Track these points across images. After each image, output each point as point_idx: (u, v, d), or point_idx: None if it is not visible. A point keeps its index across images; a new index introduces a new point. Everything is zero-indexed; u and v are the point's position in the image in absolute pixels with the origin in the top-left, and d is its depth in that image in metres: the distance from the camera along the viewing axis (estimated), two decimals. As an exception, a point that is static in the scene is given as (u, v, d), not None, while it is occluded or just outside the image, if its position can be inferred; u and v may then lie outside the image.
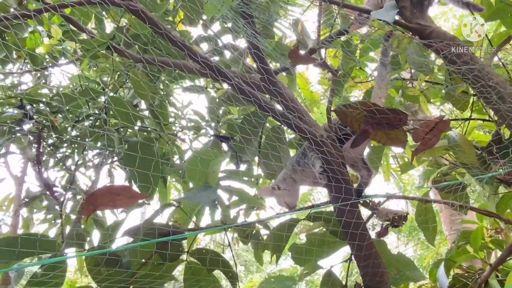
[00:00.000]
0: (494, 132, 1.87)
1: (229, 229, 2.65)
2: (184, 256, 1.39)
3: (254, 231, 2.63)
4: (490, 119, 2.05)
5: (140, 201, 1.19)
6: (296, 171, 1.57)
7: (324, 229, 1.54)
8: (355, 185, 1.52)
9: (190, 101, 3.25)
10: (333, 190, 1.35)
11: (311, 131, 1.40)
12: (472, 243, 2.10)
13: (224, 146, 2.77)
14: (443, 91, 2.37)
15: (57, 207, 2.98)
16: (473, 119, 2.09)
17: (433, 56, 2.43)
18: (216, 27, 3.07)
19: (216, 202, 1.22)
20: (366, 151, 1.54)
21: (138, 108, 3.09)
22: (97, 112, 2.89)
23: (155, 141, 2.84)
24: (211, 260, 1.38)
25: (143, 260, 1.27)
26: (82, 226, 2.47)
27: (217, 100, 2.93)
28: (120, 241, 1.33)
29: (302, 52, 2.25)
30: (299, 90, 5.17)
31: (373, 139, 1.29)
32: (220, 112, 3.04)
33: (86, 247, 1.31)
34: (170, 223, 1.36)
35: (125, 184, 0.99)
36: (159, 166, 1.30)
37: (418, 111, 2.97)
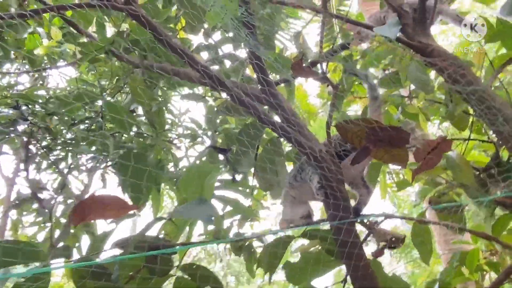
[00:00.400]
0: (493, 154, 1.84)
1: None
2: (174, 271, 1.33)
3: (247, 243, 2.56)
4: (489, 140, 2.02)
5: (131, 212, 1.13)
6: (294, 187, 1.52)
7: (319, 247, 1.48)
8: (352, 202, 1.47)
9: (187, 108, 3.19)
10: (331, 207, 1.30)
11: (310, 146, 1.36)
12: (467, 265, 2.06)
13: (220, 157, 2.72)
14: (441, 109, 2.34)
15: (47, 210, 2.90)
16: (473, 139, 2.06)
17: (432, 74, 2.41)
18: (217, 36, 3.04)
19: (213, 218, 1.16)
20: (366, 169, 1.50)
21: (135, 114, 3.04)
22: (93, 115, 2.84)
23: (149, 148, 2.79)
24: (201, 276, 1.31)
25: (131, 274, 1.20)
26: (72, 231, 2.40)
27: (215, 109, 2.89)
28: (109, 252, 1.27)
29: (304, 65, 2.22)
30: (297, 102, 5.15)
31: (373, 156, 1.24)
32: (218, 121, 2.99)
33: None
34: (161, 236, 1.30)
35: (115, 195, 0.94)
36: (153, 175, 1.24)
37: (415, 128, 2.95)
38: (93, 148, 2.88)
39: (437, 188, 2.12)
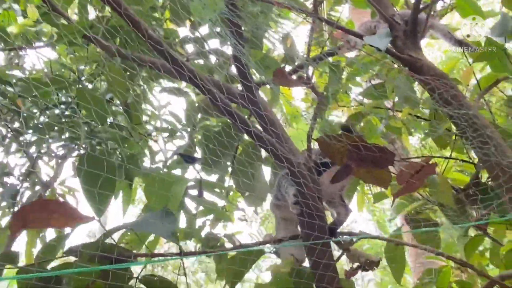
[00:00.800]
0: (473, 175, 1.79)
1: (192, 240, 2.47)
2: (133, 282, 1.21)
3: (219, 243, 2.45)
4: (470, 160, 1.97)
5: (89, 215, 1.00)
6: (279, 207, 1.41)
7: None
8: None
9: (168, 102, 3.04)
10: (305, 225, 1.20)
11: (288, 159, 1.25)
12: (438, 283, 2.01)
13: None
14: (423, 123, 2.29)
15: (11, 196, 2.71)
16: (453, 158, 2.01)
17: (416, 89, 2.35)
18: (205, 29, 2.90)
19: (177, 233, 1.04)
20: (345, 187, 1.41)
21: (111, 103, 2.86)
22: (69, 101, 2.67)
23: (124, 140, 2.63)
24: (162, 289, 1.20)
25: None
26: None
27: (196, 104, 2.75)
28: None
29: (288, 71, 2.11)
30: (281, 103, 5.03)
31: (355, 175, 1.15)
32: (199, 116, 2.86)
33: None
34: (122, 245, 1.18)
35: (65, 201, 0.82)
36: (115, 182, 1.11)
37: (396, 139, 2.90)
38: (67, 135, 2.71)
39: (414, 204, 2.07)
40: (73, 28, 2.21)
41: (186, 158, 1.95)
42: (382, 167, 1.07)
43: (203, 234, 2.33)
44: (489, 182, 1.81)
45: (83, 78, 2.85)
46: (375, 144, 1.04)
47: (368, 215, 6.03)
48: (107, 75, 2.26)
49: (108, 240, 1.17)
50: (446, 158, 1.96)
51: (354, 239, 1.38)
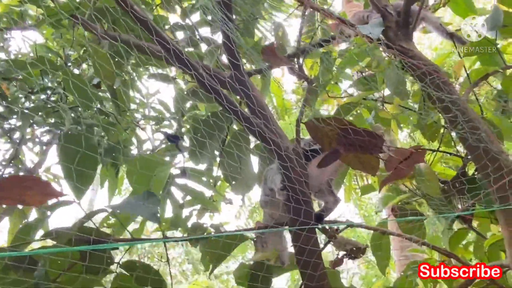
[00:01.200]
0: (460, 167, 1.78)
1: (179, 229, 2.43)
2: (114, 267, 1.16)
3: (205, 233, 2.41)
4: (458, 154, 1.96)
5: (64, 198, 0.95)
6: (265, 202, 1.38)
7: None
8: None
9: (158, 89, 2.97)
10: (291, 211, 1.17)
11: (275, 142, 1.22)
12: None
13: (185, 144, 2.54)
14: (412, 118, 2.27)
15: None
16: (441, 151, 2.00)
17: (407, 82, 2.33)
18: (196, 17, 2.83)
19: (158, 215, 1.00)
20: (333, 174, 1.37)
21: (99, 89, 2.78)
22: (56, 85, 2.59)
23: (111, 127, 2.56)
24: (143, 275, 1.15)
25: (61, 272, 1.02)
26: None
27: (186, 92, 2.69)
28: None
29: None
30: (272, 96, 4.99)
31: (342, 160, 1.12)
32: (188, 105, 2.80)
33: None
34: (104, 229, 1.13)
35: (39, 177, 0.77)
36: (96, 162, 1.06)
37: (384, 133, 2.88)
38: (52, 120, 2.63)
39: (401, 196, 2.06)
40: (59, 9, 2.14)
41: (170, 136, 1.90)
42: (371, 153, 1.04)
43: (189, 224, 2.30)
44: (476, 175, 1.80)
45: (69, 64, 2.76)
46: (365, 128, 1.02)
47: (355, 209, 6.06)
48: (93, 59, 2.19)
49: (90, 225, 1.12)
50: (433, 150, 1.95)
51: (341, 227, 1.36)
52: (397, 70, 1.72)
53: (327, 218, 1.34)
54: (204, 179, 2.41)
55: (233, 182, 1.87)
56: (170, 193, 2.34)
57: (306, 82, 1.66)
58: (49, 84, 2.63)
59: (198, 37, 2.70)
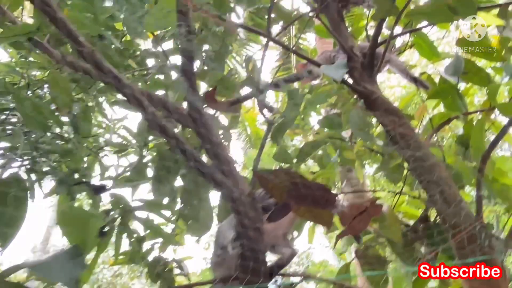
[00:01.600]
0: (422, 213, 1.74)
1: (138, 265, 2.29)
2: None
3: (167, 269, 2.26)
4: (420, 197, 1.93)
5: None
6: (217, 264, 1.26)
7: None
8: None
9: (126, 115, 2.85)
10: (245, 263, 1.07)
11: (228, 186, 1.13)
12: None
13: (149, 172, 2.43)
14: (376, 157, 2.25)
15: None
16: (404, 193, 1.96)
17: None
18: (169, 45, 2.77)
19: (80, 281, 0.86)
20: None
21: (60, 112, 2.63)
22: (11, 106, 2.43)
23: (70, 154, 2.42)
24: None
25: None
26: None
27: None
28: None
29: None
30: (246, 125, 4.92)
31: (295, 213, 1.04)
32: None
33: None
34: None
35: None
36: (25, 206, 0.93)
37: (351, 168, 2.85)
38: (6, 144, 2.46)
39: (364, 238, 1.99)
40: (19, 29, 2.02)
41: (94, 187, 1.78)
42: (323, 208, 0.97)
43: (151, 258, 2.15)
44: (438, 220, 1.77)
45: (31, 85, 2.62)
46: (316, 182, 0.95)
47: (325, 241, 5.97)
48: (52, 84, 2.07)
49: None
50: (396, 193, 1.91)
51: (296, 281, 1.26)
52: (360, 112, 1.69)
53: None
54: (164, 212, 2.28)
55: (189, 222, 1.76)
56: (127, 226, 2.19)
57: (264, 117, 1.60)
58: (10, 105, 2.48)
59: (168, 65, 2.63)
